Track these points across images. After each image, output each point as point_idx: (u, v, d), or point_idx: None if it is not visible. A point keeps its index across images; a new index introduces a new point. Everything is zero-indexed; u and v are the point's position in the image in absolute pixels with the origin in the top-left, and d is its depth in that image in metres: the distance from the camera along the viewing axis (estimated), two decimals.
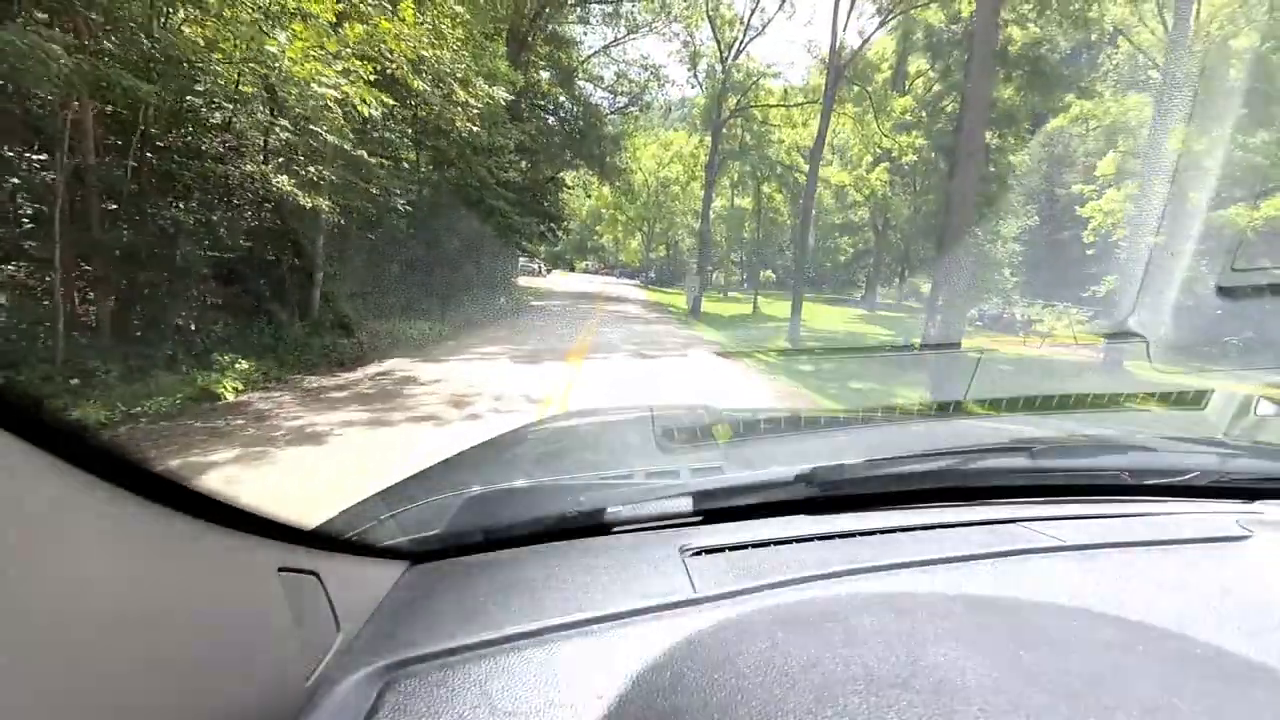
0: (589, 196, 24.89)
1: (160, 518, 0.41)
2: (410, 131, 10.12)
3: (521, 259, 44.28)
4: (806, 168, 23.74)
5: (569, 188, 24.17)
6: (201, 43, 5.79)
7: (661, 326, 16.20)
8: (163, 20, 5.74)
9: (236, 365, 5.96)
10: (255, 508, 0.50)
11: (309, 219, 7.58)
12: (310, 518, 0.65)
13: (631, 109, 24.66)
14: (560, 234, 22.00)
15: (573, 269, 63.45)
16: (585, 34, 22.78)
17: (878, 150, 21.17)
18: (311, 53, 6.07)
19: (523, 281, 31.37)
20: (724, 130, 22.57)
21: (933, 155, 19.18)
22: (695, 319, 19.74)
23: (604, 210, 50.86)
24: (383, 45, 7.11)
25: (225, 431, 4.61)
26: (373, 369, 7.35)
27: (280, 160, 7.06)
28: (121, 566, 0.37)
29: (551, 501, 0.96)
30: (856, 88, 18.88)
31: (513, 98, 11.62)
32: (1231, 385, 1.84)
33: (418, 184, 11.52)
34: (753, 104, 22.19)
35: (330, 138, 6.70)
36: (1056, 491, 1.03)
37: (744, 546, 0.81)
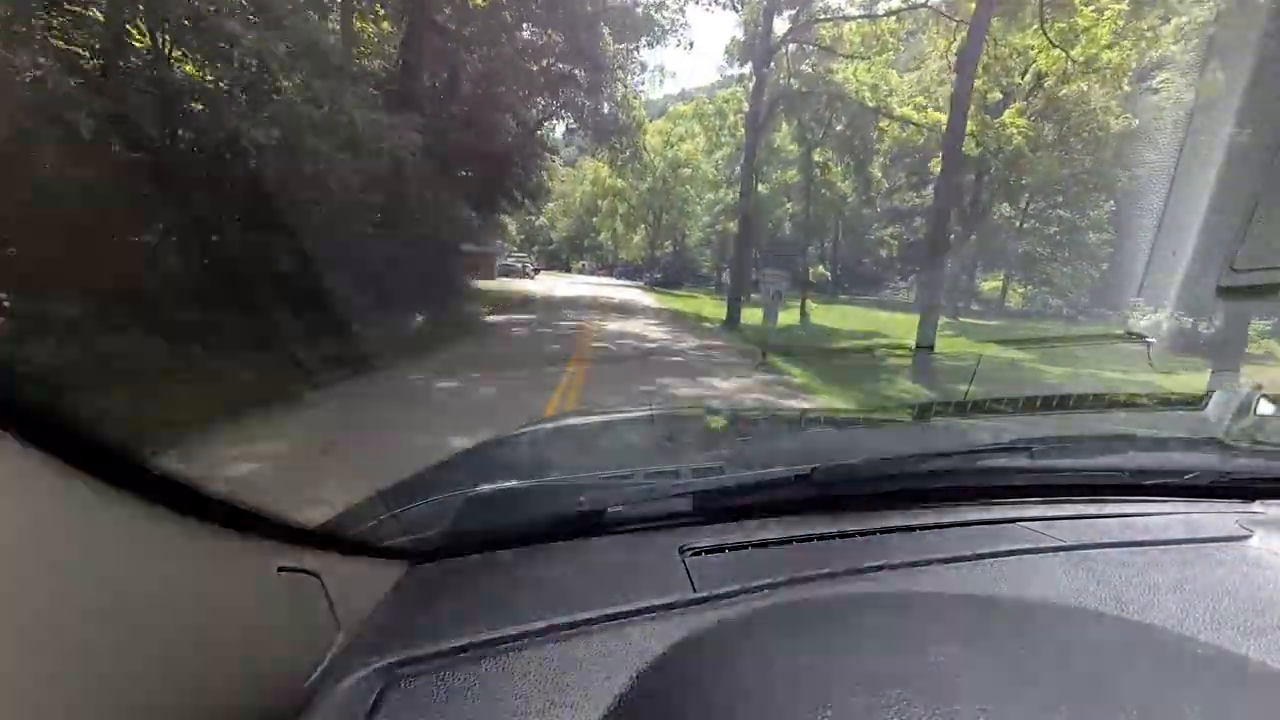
0: (567, 138, 18.00)
1: (160, 518, 0.41)
2: None
3: (510, 258, 37.66)
4: (899, 110, 17.11)
5: (550, 149, 17.16)
6: None
7: (731, 384, 7.83)
8: None
9: None
10: (255, 507, 0.50)
11: None
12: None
13: (636, 47, 17.77)
14: (530, 204, 15.08)
15: (569, 269, 57.20)
16: None
17: (1015, 81, 14.22)
18: None
19: (497, 285, 24.49)
20: (770, 65, 15.75)
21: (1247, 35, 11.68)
22: (738, 334, 12.98)
23: (600, 200, 44.10)
24: None
25: None
26: None
27: None
28: (121, 566, 0.38)
29: (551, 501, 0.93)
30: None
31: None
32: None
33: None
34: (818, 18, 15.20)
35: None
36: (1056, 491, 1.03)
37: (744, 546, 0.81)
